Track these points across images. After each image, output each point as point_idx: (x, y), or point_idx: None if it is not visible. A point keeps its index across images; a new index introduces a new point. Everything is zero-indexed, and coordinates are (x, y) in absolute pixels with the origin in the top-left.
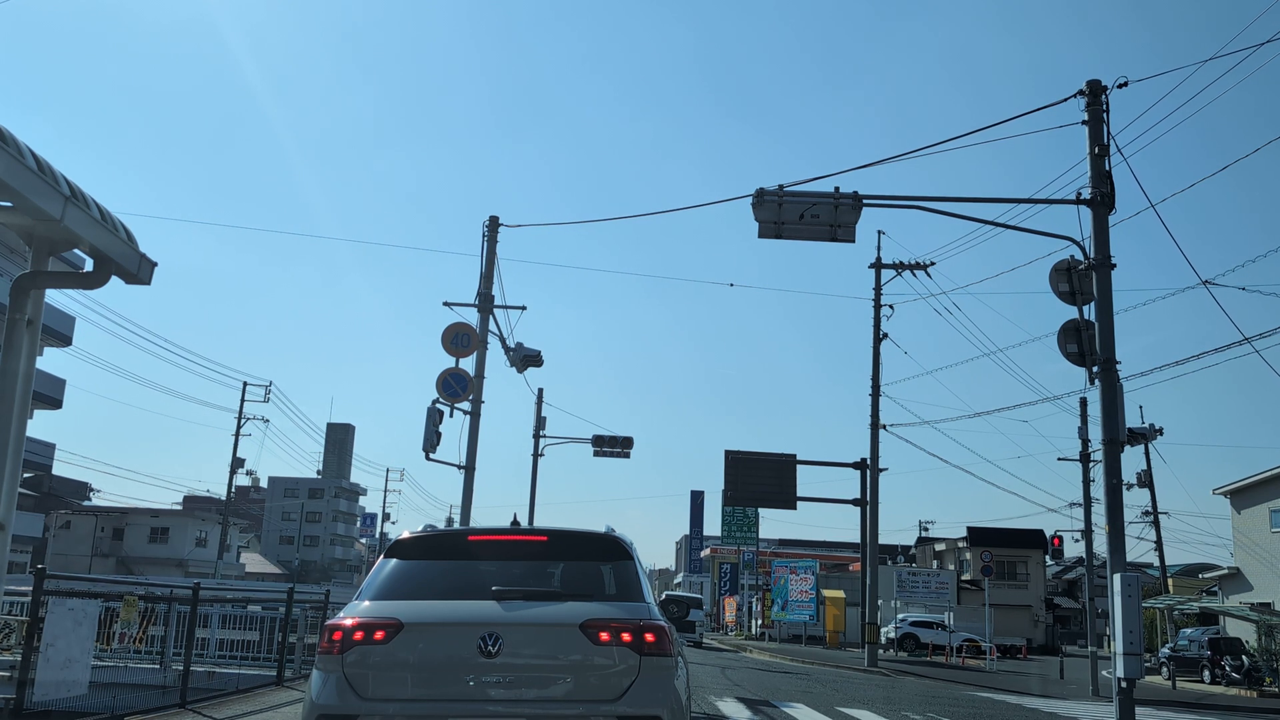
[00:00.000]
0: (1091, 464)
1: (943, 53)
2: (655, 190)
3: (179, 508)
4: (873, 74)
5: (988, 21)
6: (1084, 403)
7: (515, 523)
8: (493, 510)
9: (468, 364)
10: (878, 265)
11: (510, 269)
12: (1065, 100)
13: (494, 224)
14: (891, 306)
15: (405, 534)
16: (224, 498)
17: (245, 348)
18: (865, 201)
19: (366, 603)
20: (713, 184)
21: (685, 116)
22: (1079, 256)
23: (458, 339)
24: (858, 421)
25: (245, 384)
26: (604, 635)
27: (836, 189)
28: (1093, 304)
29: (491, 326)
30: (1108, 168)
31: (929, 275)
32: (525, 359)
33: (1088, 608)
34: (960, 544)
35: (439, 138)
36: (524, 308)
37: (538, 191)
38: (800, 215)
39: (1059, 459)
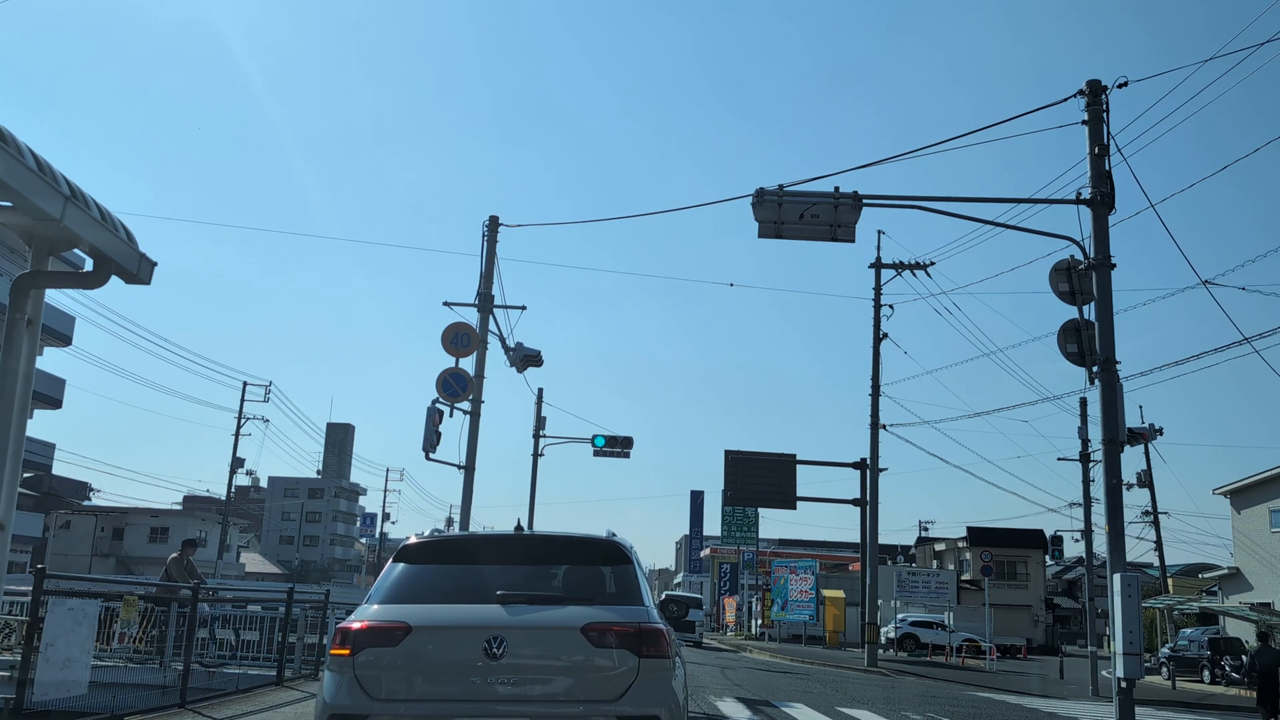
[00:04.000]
0: (1091, 464)
1: (943, 53)
2: (656, 191)
3: (179, 508)
4: (873, 74)
5: (988, 22)
6: (1084, 403)
7: (519, 528)
8: (493, 510)
9: (468, 364)
10: (877, 265)
11: (510, 269)
12: (1065, 100)
13: (494, 224)
14: (891, 306)
15: (412, 539)
16: (224, 498)
17: (245, 348)
18: (865, 201)
19: (376, 606)
20: (713, 184)
21: (686, 117)
22: (1079, 256)
23: (457, 339)
24: (858, 421)
25: (245, 384)
26: (604, 638)
27: (836, 189)
28: (1093, 304)
29: (491, 326)
30: (1108, 168)
31: (929, 275)
32: (525, 359)
33: (1088, 608)
34: (960, 544)
35: (439, 138)
36: (524, 308)
37: (538, 192)
38: (800, 215)
39: (1059, 459)
